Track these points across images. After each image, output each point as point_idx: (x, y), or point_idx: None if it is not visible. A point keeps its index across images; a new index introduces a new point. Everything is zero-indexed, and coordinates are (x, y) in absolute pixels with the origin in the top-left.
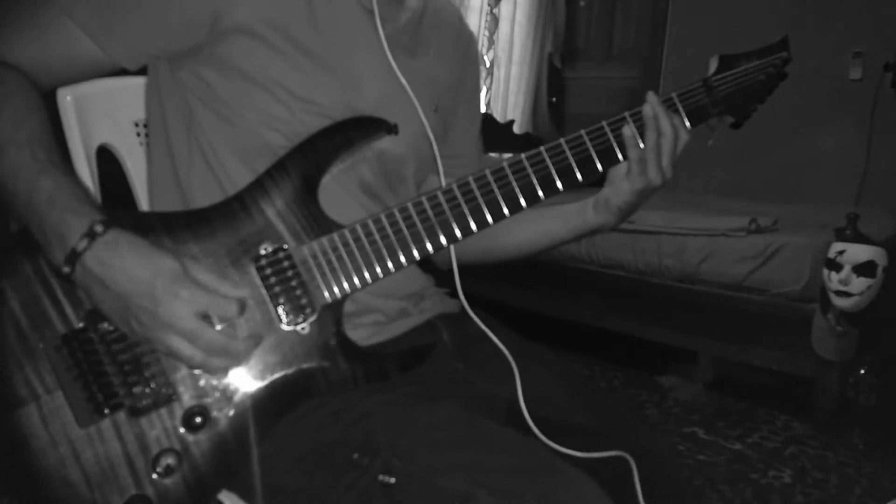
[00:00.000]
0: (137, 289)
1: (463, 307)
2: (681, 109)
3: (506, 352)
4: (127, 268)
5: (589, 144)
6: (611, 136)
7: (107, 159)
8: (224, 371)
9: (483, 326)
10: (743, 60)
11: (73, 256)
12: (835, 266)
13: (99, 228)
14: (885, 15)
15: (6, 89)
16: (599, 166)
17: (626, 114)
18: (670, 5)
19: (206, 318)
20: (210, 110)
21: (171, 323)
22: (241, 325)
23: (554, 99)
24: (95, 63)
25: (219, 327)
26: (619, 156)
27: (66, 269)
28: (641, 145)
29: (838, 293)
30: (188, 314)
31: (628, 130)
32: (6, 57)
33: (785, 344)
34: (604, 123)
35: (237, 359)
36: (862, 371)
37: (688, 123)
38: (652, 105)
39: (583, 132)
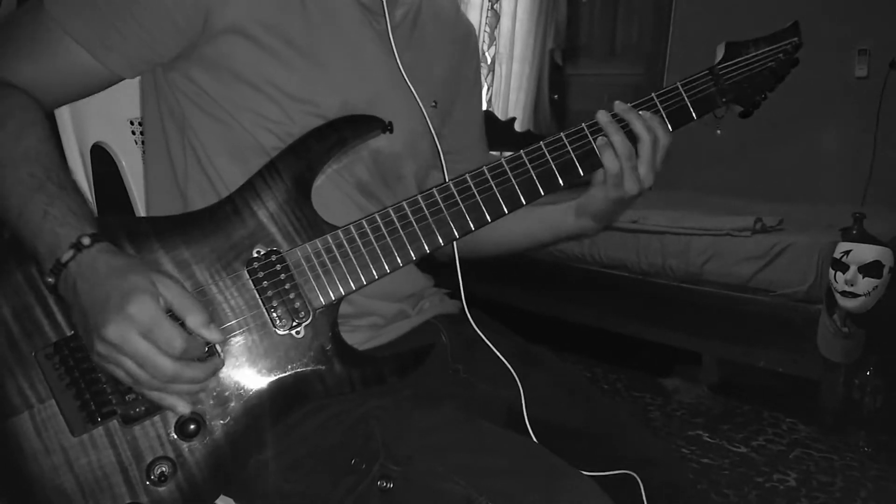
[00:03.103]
0: (94, 304)
1: (463, 308)
2: (686, 99)
3: (509, 367)
4: (95, 282)
5: (590, 137)
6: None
7: (102, 158)
8: (176, 398)
9: (484, 338)
10: (751, 47)
11: (58, 267)
12: (841, 266)
13: (86, 241)
14: (891, 12)
15: (6, 108)
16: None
17: (584, 125)
18: (674, 0)
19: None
20: (202, 111)
21: (116, 343)
22: (230, 341)
23: (556, 96)
24: (95, 77)
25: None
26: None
27: (50, 280)
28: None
29: (844, 294)
30: (135, 336)
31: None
32: (7, 77)
33: (790, 345)
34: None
35: (193, 385)
36: (868, 373)
37: (694, 114)
38: (605, 121)
39: (584, 125)
